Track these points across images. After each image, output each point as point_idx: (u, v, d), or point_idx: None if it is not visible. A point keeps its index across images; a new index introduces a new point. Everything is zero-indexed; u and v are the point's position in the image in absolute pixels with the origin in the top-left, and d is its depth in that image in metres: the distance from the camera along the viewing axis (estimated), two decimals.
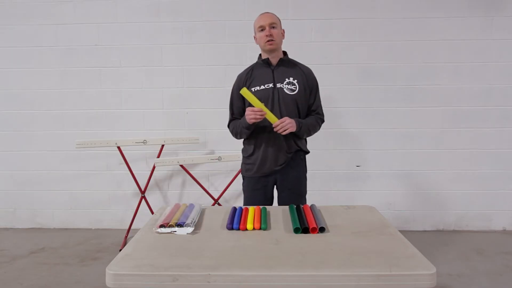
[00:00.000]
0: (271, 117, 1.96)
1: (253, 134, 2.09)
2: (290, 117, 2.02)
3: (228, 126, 2.20)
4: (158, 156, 3.31)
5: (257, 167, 2.10)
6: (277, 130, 1.95)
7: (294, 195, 2.11)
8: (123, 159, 3.18)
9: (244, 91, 1.96)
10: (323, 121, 2.20)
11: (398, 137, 3.39)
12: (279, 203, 2.14)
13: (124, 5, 3.34)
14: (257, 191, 2.13)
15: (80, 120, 3.47)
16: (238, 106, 2.14)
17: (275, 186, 2.17)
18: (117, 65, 3.40)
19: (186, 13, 3.33)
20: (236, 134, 2.15)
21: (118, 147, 3.15)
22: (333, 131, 3.39)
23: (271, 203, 2.18)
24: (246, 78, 2.10)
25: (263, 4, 3.24)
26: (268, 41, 2.00)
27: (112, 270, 1.15)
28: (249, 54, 3.29)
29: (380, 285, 1.12)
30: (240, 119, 2.13)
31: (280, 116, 2.02)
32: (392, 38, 3.29)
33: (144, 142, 3.20)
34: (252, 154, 2.12)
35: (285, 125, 1.94)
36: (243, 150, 2.21)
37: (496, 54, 3.28)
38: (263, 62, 2.09)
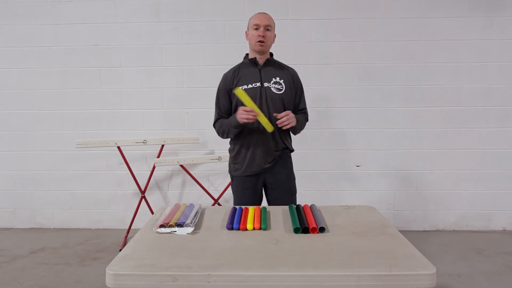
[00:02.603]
0: (263, 119, 1.96)
1: (240, 133, 2.09)
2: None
3: (214, 125, 2.18)
4: (158, 156, 3.31)
5: (245, 166, 2.10)
6: (282, 123, 1.95)
7: (286, 193, 2.12)
8: (123, 159, 3.18)
9: (239, 91, 1.95)
10: (308, 120, 2.26)
11: (398, 137, 3.39)
12: (270, 203, 2.15)
13: (124, 5, 3.34)
14: (246, 190, 2.13)
15: (80, 120, 3.47)
16: (224, 105, 2.14)
17: (264, 186, 2.17)
18: (117, 65, 3.40)
19: (186, 13, 3.33)
20: (223, 133, 2.13)
21: (118, 147, 3.15)
22: (333, 131, 3.40)
23: (260, 203, 2.18)
24: (233, 77, 2.10)
25: (263, 4, 3.24)
26: (259, 41, 2.02)
27: (112, 270, 1.15)
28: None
29: (380, 285, 1.12)
30: (226, 117, 2.13)
31: (268, 115, 2.01)
32: (392, 38, 3.29)
33: (144, 142, 3.20)
34: (239, 153, 2.12)
35: (290, 117, 1.96)
36: (230, 150, 2.21)
37: (496, 54, 3.28)
38: (250, 62, 2.11)
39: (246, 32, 2.13)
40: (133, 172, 3.24)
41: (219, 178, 3.49)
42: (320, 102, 3.32)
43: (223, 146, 3.41)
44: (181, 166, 3.22)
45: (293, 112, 2.14)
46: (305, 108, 2.24)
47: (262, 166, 2.09)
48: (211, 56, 3.36)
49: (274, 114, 1.98)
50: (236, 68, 2.15)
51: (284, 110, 2.08)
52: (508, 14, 3.24)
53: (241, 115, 1.94)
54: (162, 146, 3.30)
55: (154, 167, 3.26)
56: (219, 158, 3.17)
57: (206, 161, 3.22)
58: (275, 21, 2.15)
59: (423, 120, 3.36)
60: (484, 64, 3.29)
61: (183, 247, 1.32)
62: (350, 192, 3.45)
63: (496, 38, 3.26)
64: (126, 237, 3.25)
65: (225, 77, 2.16)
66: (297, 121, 2.06)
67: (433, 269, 1.14)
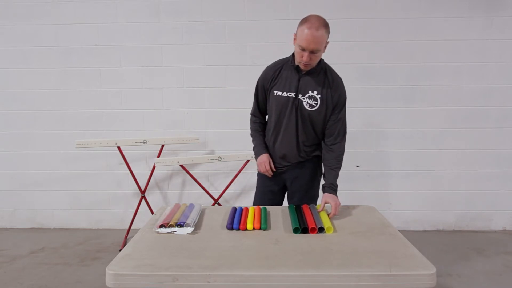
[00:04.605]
0: (325, 220, 1.67)
1: (267, 132, 2.11)
2: (306, 133, 2.00)
3: (252, 115, 2.16)
4: (158, 156, 3.31)
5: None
6: (333, 215, 1.77)
7: (304, 198, 2.09)
8: (123, 159, 3.18)
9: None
10: (342, 140, 2.10)
11: (398, 137, 3.39)
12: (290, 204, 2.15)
13: (124, 5, 3.33)
14: (266, 187, 2.14)
15: (80, 120, 3.47)
16: (261, 99, 2.09)
17: (286, 189, 2.17)
18: (117, 65, 3.40)
19: (186, 13, 3.33)
20: (251, 136, 2.17)
21: (118, 147, 3.15)
22: None
23: (280, 203, 2.18)
24: (273, 77, 1.99)
25: (263, 4, 3.24)
26: (303, 63, 1.87)
27: (112, 270, 1.16)
28: (249, 54, 3.29)
29: (380, 285, 1.12)
30: (261, 115, 2.15)
31: (294, 130, 1.98)
32: (392, 38, 3.29)
33: (144, 142, 3.20)
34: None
35: (337, 207, 1.80)
36: None
37: (496, 54, 3.28)
38: (293, 66, 1.96)
39: (294, 34, 1.88)
40: (133, 172, 3.24)
41: (219, 178, 3.49)
42: None
43: (223, 146, 3.42)
44: (181, 166, 3.22)
45: (322, 129, 2.03)
46: (338, 133, 2.03)
47: (283, 163, 2.07)
48: (211, 56, 3.36)
49: (319, 211, 1.77)
50: (280, 67, 2.00)
51: (312, 128, 2.00)
52: (508, 14, 3.23)
53: (260, 167, 2.05)
54: (162, 146, 3.30)
55: (154, 167, 3.26)
56: (219, 158, 3.17)
57: (206, 161, 3.22)
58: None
59: (423, 120, 3.36)
60: (484, 64, 3.29)
61: (183, 247, 1.32)
62: (350, 192, 3.45)
63: (496, 38, 3.26)
64: (126, 237, 3.25)
65: (266, 73, 2.03)
66: (336, 185, 2.00)
67: (433, 269, 1.14)
